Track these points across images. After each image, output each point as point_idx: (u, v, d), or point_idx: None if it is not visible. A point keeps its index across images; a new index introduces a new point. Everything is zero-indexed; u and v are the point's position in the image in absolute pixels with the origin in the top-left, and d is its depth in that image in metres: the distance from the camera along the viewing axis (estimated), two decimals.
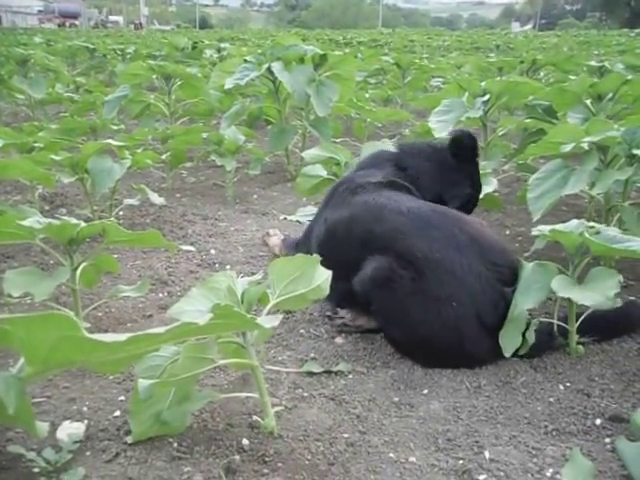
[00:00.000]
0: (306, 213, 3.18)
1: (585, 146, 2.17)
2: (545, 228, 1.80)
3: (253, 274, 2.29)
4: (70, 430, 1.38)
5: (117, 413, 1.47)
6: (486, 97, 3.15)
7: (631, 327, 1.92)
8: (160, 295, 2.27)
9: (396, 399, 1.64)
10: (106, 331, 1.93)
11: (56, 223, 1.66)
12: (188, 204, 3.38)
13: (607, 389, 1.64)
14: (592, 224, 1.75)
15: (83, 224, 1.71)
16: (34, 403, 1.50)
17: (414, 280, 1.75)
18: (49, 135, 3.08)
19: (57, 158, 2.67)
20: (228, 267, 2.54)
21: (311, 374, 1.74)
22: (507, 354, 1.70)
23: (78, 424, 1.42)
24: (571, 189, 2.12)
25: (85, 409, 1.49)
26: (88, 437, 1.40)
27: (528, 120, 3.21)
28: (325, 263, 1.59)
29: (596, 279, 1.62)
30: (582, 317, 1.76)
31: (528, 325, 1.71)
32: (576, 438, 1.46)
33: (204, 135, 3.43)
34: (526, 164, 3.28)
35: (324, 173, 3.17)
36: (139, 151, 2.91)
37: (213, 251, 2.69)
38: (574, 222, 1.79)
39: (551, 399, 1.61)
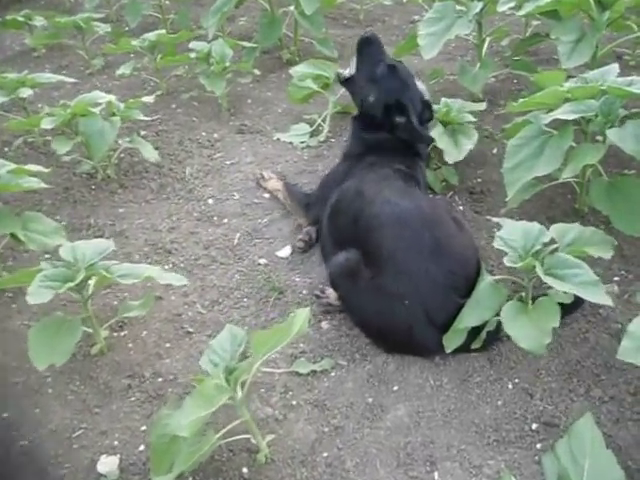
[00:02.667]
0: (298, 133, 3.25)
1: (560, 116, 2.19)
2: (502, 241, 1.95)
3: (248, 234, 2.53)
4: (107, 464, 1.75)
5: (142, 447, 1.83)
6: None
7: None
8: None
9: (370, 400, 1.96)
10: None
11: None
12: (183, 123, 3.43)
13: (549, 388, 1.93)
14: (550, 239, 1.90)
15: None
16: (74, 437, 1.86)
17: (373, 278, 2.01)
18: None
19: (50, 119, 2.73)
20: (225, 220, 2.73)
21: (299, 374, 2.05)
22: (448, 351, 1.96)
23: (112, 458, 1.79)
24: (543, 169, 2.19)
25: (116, 442, 1.85)
26: (122, 470, 1.77)
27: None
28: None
29: (539, 315, 1.81)
30: None
31: (484, 323, 1.94)
32: (513, 447, 1.79)
33: (191, 47, 3.37)
34: (522, 61, 3.23)
35: (314, 86, 3.17)
36: (130, 100, 2.90)
37: (210, 200, 2.86)
38: (532, 232, 1.94)
39: (499, 402, 1.91)
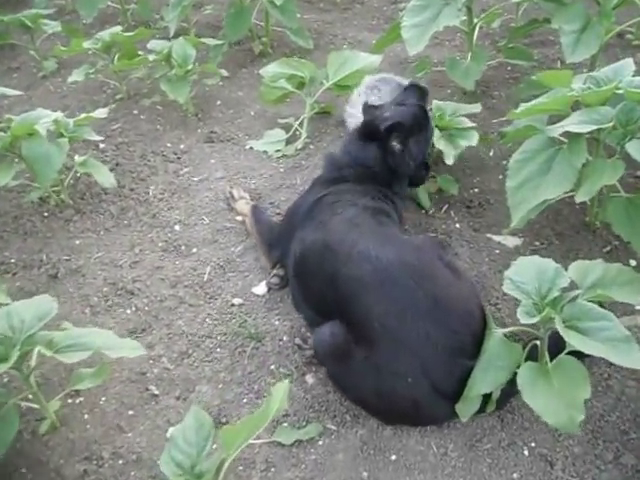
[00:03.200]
0: (273, 140, 2.93)
1: (571, 129, 1.89)
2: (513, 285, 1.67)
3: (220, 267, 2.24)
4: None
5: None
6: None
7: None
8: (128, 312, 2.22)
9: (365, 475, 1.69)
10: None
11: None
12: (146, 132, 3.09)
13: (571, 454, 1.67)
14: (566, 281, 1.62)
15: None
16: None
17: (368, 358, 1.71)
18: None
19: None
20: (194, 250, 2.43)
21: (282, 445, 1.77)
22: (464, 419, 1.70)
23: None
24: (552, 190, 1.90)
25: None
26: None
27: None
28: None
29: (564, 381, 1.53)
30: None
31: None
32: None
33: (149, 47, 3.02)
34: (517, 48, 2.91)
35: (289, 86, 2.85)
36: (82, 116, 2.55)
37: (177, 226, 2.54)
38: (547, 273, 1.65)
39: (514, 474, 1.65)
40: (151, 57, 2.91)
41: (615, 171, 1.84)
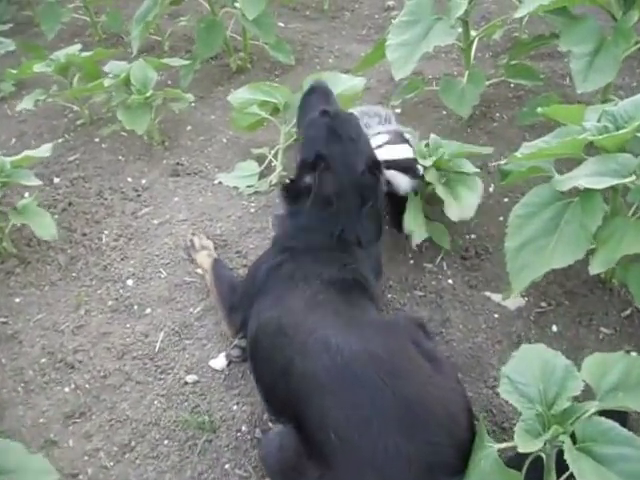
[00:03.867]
0: (245, 174, 2.60)
1: (583, 183, 1.55)
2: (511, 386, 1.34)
3: (175, 333, 1.93)
4: None
5: None
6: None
7: None
8: (66, 390, 1.90)
9: None
10: None
11: None
12: (106, 164, 2.77)
13: None
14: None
15: None
16: None
17: (322, 477, 1.37)
18: None
19: None
20: (148, 311, 2.11)
21: None
22: None
23: None
24: (560, 259, 1.56)
25: None
26: None
27: None
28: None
29: None
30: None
31: None
32: None
33: (107, 69, 2.69)
34: (520, 65, 2.56)
35: (262, 112, 2.52)
36: (22, 155, 2.23)
37: (130, 281, 2.22)
38: (555, 371, 1.32)
39: None
40: (107, 82, 2.57)
41: (639, 234, 1.50)
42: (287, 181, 1.95)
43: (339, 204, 1.77)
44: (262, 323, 1.65)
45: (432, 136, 2.14)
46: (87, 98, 3.03)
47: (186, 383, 1.87)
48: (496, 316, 1.94)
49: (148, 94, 2.54)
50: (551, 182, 1.64)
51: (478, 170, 2.10)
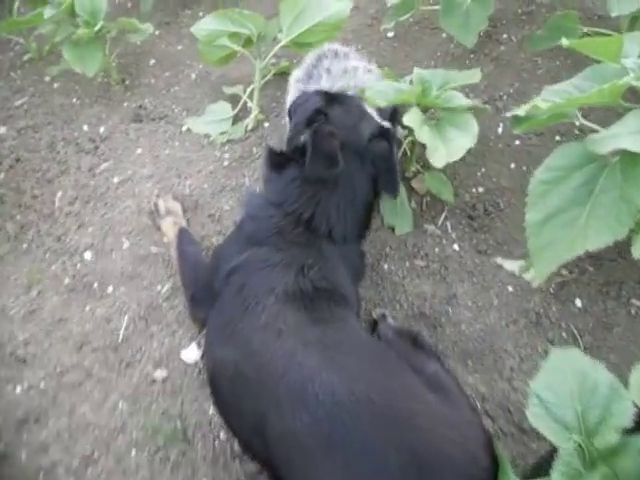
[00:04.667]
0: (217, 118, 2.26)
1: (629, 146, 1.24)
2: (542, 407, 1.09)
3: (141, 318, 1.68)
4: None
5: None
6: None
7: None
8: (18, 391, 1.66)
9: None
10: None
11: None
12: (58, 109, 2.41)
13: None
14: None
15: None
16: None
17: None
18: None
19: None
20: (110, 290, 1.84)
21: None
22: None
23: None
24: (595, 239, 1.27)
25: None
26: None
27: None
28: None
29: None
30: None
31: None
32: None
33: None
34: None
35: (233, 45, 2.16)
36: None
37: (88, 254, 1.93)
38: (599, 385, 1.08)
39: None
40: (48, 12, 2.17)
41: None
42: (273, 147, 1.59)
43: (339, 174, 1.44)
44: (217, 363, 1.34)
45: (415, 70, 1.75)
46: (33, 29, 2.62)
47: (154, 381, 1.63)
48: (510, 289, 1.67)
49: (97, 27, 2.14)
50: (584, 141, 1.32)
51: (478, 104, 1.74)
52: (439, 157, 1.58)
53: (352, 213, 1.48)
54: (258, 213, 1.48)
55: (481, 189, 1.91)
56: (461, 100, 1.62)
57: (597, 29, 2.00)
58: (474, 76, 1.73)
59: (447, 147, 1.61)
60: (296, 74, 1.80)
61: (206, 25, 2.11)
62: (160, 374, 1.63)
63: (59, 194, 2.11)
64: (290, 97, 1.76)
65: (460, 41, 2.04)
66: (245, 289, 1.34)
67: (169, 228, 1.86)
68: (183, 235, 1.81)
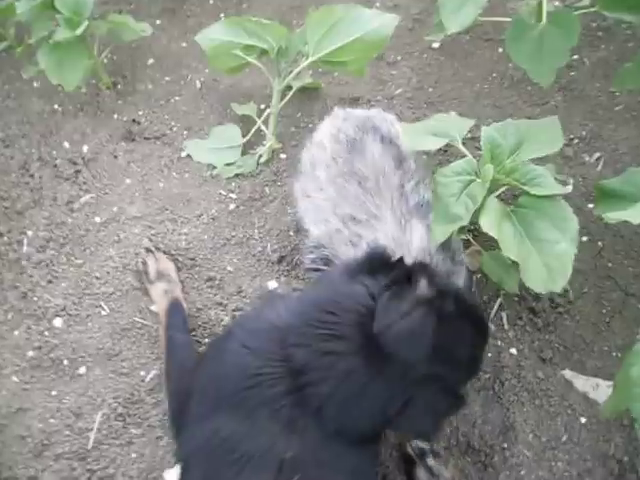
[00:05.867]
0: (223, 145, 1.88)
1: None
2: None
3: (119, 417, 1.36)
4: None
5: None
6: None
7: None
8: None
9: None
10: None
11: None
12: (37, 119, 2.03)
13: None
14: None
15: None
16: None
17: None
18: None
19: None
20: (82, 370, 1.49)
21: None
22: None
23: None
24: None
25: None
26: None
27: None
28: None
29: None
30: None
31: None
32: None
33: None
34: None
35: (247, 57, 1.77)
36: None
37: (59, 321, 1.59)
38: None
39: None
40: (21, 5, 1.76)
41: None
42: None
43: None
44: None
45: (484, 129, 1.32)
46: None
47: None
48: (582, 421, 1.31)
49: (81, 29, 1.73)
50: None
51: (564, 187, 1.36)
52: (539, 281, 1.18)
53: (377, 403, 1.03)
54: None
55: None
56: (549, 183, 1.22)
57: None
58: (555, 142, 1.33)
59: (545, 260, 1.19)
60: (317, 156, 1.41)
61: (214, 34, 1.73)
62: None
63: (29, 233, 1.75)
64: (301, 204, 1.37)
65: (533, 77, 1.62)
66: (234, 453, 0.98)
67: (159, 298, 1.51)
68: (175, 313, 1.46)
